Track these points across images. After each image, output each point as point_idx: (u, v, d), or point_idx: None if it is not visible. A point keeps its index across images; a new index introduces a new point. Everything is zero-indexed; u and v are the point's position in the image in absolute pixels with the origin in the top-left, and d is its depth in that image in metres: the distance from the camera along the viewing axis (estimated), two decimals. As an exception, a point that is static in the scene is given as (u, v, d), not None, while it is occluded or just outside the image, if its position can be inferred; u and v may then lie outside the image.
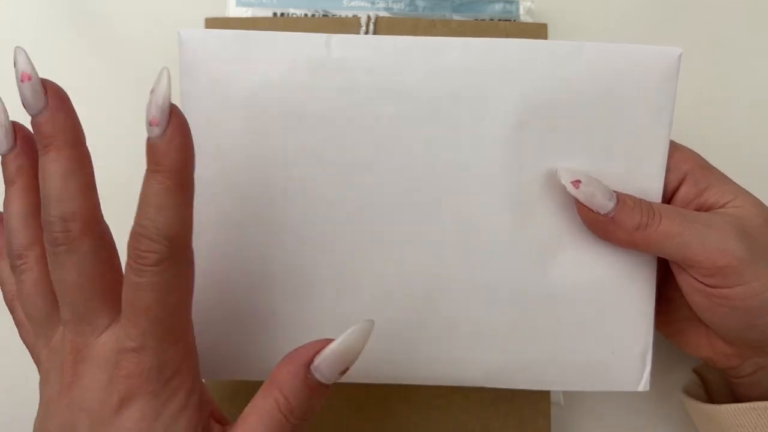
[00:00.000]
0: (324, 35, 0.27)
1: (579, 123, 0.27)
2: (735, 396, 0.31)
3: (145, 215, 0.21)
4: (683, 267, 0.27)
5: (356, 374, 0.28)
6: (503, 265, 0.28)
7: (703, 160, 0.29)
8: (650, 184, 0.28)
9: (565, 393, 0.35)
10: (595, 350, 0.28)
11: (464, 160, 0.27)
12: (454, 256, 0.28)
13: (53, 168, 0.22)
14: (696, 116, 0.37)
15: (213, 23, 0.34)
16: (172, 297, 0.22)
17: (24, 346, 0.25)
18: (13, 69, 0.22)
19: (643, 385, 0.29)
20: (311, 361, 0.23)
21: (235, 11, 0.35)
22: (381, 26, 0.34)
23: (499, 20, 0.35)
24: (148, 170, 0.22)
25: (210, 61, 0.27)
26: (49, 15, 0.36)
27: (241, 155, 0.27)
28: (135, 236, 0.21)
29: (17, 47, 0.22)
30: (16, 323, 0.26)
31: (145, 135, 0.21)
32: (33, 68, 0.22)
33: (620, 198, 0.26)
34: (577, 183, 0.26)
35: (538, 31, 0.34)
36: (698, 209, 0.28)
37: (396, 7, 0.35)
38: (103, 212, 0.23)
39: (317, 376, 0.23)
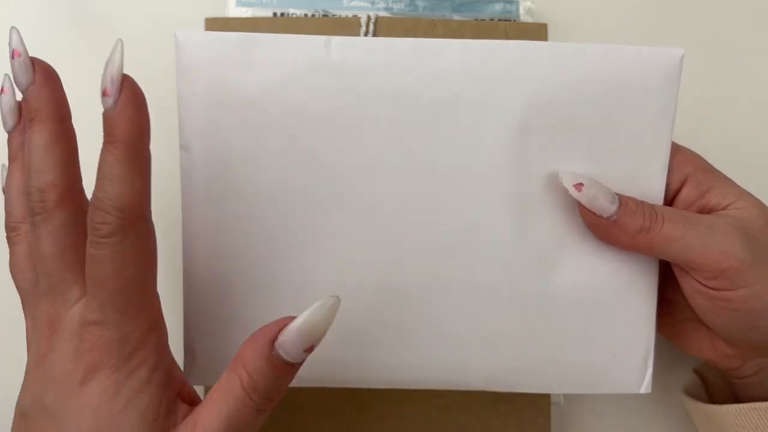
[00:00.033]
0: (324, 37, 0.26)
1: (580, 125, 0.27)
2: (736, 396, 0.31)
3: (101, 187, 0.21)
4: (686, 270, 0.27)
5: (355, 378, 0.28)
6: (504, 267, 0.28)
7: (705, 161, 0.29)
8: (652, 187, 0.27)
9: (566, 393, 0.35)
10: (596, 352, 0.28)
11: (465, 162, 0.27)
12: (454, 257, 0.28)
13: (35, 140, 0.23)
14: (696, 116, 0.37)
15: (213, 23, 0.33)
16: (128, 269, 0.22)
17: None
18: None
19: (645, 387, 0.29)
20: (275, 338, 0.22)
21: (235, 11, 0.35)
22: (381, 26, 0.34)
23: (499, 20, 0.35)
24: (103, 142, 0.22)
25: (207, 63, 0.26)
26: (49, 15, 0.36)
27: (239, 157, 0.27)
28: (91, 208, 0.22)
29: (12, 27, 0.23)
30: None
31: None
32: (23, 46, 0.23)
33: (623, 201, 0.26)
34: (579, 186, 0.26)
35: (538, 31, 0.34)
36: (700, 211, 0.28)
37: (396, 7, 0.35)
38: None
39: (281, 353, 0.22)
